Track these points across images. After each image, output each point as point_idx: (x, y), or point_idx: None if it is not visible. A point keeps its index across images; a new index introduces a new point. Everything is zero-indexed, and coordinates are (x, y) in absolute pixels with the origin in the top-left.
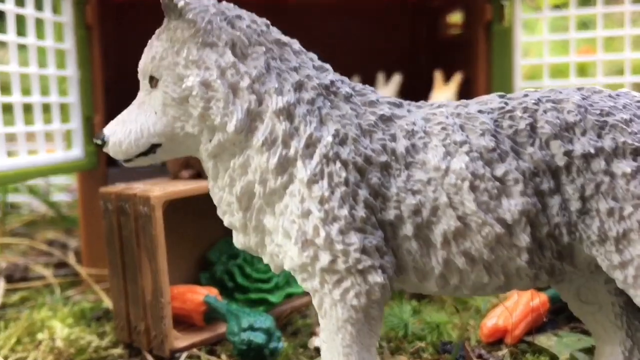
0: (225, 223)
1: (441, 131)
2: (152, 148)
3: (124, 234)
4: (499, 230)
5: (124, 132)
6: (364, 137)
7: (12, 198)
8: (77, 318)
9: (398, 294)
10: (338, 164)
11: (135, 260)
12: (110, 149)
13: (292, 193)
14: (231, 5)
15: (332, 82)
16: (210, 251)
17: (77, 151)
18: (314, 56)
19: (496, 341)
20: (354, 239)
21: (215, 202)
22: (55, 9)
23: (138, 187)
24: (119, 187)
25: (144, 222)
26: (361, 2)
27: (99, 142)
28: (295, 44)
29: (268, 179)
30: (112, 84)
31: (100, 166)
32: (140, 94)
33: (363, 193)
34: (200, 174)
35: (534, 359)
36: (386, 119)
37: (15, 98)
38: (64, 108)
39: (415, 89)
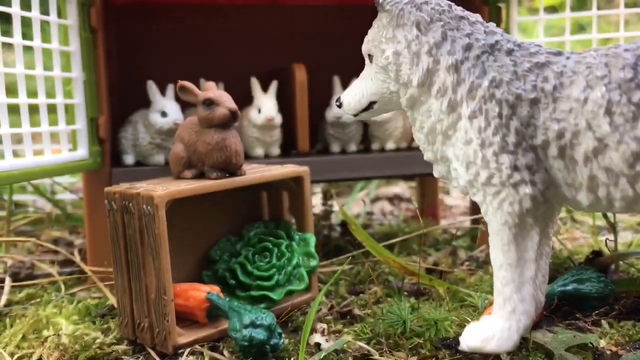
0: (425, 158)
1: (586, 69)
2: (370, 105)
3: (128, 232)
4: (635, 148)
5: (352, 95)
6: (518, 80)
7: (17, 197)
8: (82, 315)
9: (397, 293)
10: (493, 102)
11: (139, 259)
12: (345, 108)
13: (460, 128)
14: None
15: (497, 42)
16: (213, 249)
17: (82, 152)
18: (491, 24)
19: None
20: (506, 159)
21: (417, 142)
22: (60, 12)
23: (141, 187)
24: (123, 187)
25: (147, 221)
26: (360, 3)
27: (337, 103)
28: (473, 17)
29: (443, 118)
30: (116, 85)
31: (104, 166)
32: (365, 70)
33: (514, 123)
34: (202, 174)
35: (530, 355)
36: (541, 65)
37: (21, 99)
38: (69, 109)
39: None
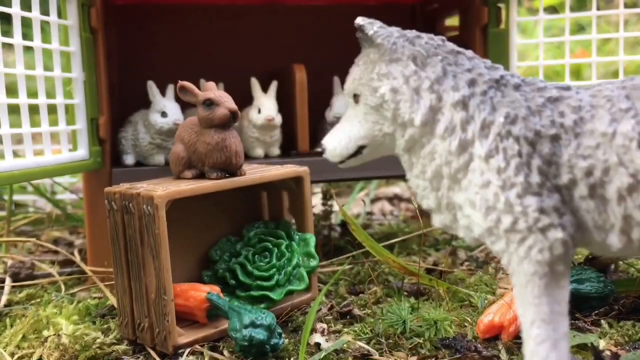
0: (424, 206)
1: (607, 102)
2: (359, 150)
3: (128, 232)
4: None
5: (336, 140)
6: (533, 116)
7: (18, 197)
8: (82, 315)
9: (397, 293)
10: (511, 140)
11: (139, 259)
12: (328, 154)
13: (473, 169)
14: (412, 30)
15: (501, 77)
16: (213, 249)
17: (82, 152)
18: (487, 60)
19: (492, 337)
20: (531, 201)
21: (413, 189)
22: (61, 13)
23: (142, 187)
24: (123, 187)
25: (147, 221)
26: (360, 4)
27: (320, 149)
28: (469, 52)
29: (452, 160)
30: (116, 85)
31: (104, 166)
32: (347, 111)
33: (536, 162)
34: (202, 174)
35: None
36: (554, 100)
37: (22, 100)
38: (69, 109)
39: None
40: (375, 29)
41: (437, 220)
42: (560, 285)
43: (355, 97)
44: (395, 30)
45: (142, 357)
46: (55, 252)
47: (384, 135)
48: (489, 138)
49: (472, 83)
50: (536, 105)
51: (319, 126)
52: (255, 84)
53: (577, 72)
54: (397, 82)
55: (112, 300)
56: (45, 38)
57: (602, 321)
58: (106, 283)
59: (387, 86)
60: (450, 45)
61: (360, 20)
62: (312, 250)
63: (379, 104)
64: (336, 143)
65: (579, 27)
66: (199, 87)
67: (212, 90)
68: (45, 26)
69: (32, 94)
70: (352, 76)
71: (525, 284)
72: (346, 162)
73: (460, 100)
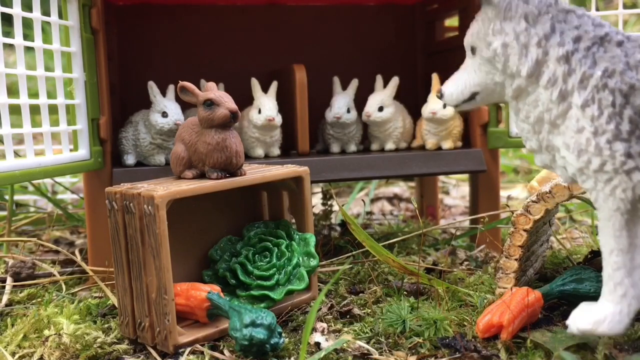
0: (527, 147)
1: None
2: (473, 96)
3: (128, 232)
4: None
5: (454, 86)
6: (630, 71)
7: (19, 197)
8: (83, 314)
9: (396, 292)
10: (606, 91)
11: (140, 258)
12: (446, 99)
13: (570, 116)
14: None
15: (606, 34)
16: (213, 249)
17: (83, 152)
18: (597, 17)
19: (492, 337)
20: (620, 146)
21: (519, 132)
22: (61, 13)
23: (142, 187)
24: (123, 187)
25: (148, 220)
26: (360, 4)
27: (439, 95)
28: (580, 10)
29: (552, 108)
30: (117, 86)
31: (105, 166)
32: (465, 61)
33: (628, 112)
34: (203, 174)
35: (529, 355)
36: None
37: (23, 100)
38: (70, 110)
39: (413, 92)
40: None
41: (539, 160)
42: (638, 222)
43: (472, 50)
44: None
45: (142, 356)
46: (56, 252)
47: (495, 84)
48: (586, 89)
49: (577, 39)
50: (635, 60)
51: (319, 126)
52: (255, 84)
53: None
54: (508, 37)
55: (113, 300)
56: (46, 38)
57: None
58: (107, 283)
59: (499, 41)
60: (562, 5)
61: None
62: (312, 250)
63: (492, 56)
64: (453, 89)
65: None
66: (199, 88)
67: (213, 90)
68: (46, 27)
69: (33, 94)
70: (471, 31)
71: (608, 217)
72: (461, 106)
73: (564, 55)
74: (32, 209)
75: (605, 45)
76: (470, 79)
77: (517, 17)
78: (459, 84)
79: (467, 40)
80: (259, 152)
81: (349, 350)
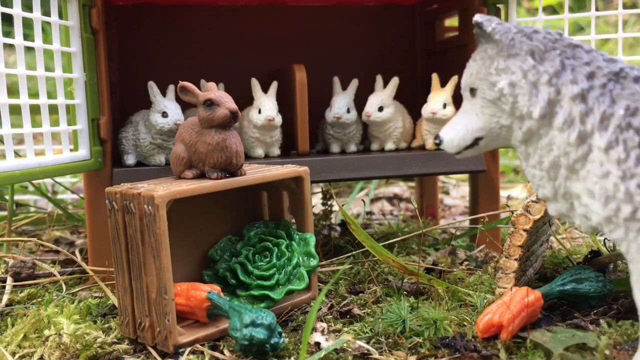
0: (540, 195)
1: None
2: (476, 141)
3: (128, 232)
4: None
5: (454, 132)
6: None
7: (19, 197)
8: (83, 314)
9: (396, 292)
10: (631, 131)
11: (140, 258)
12: (445, 146)
13: (592, 160)
14: (528, 25)
15: (621, 69)
16: (213, 249)
17: (83, 152)
18: (605, 53)
19: (492, 337)
20: None
21: (529, 178)
22: (62, 13)
23: (142, 187)
24: (124, 187)
25: (148, 220)
26: (360, 4)
27: (437, 141)
28: (587, 45)
29: (570, 151)
30: (117, 86)
31: (105, 166)
32: (464, 104)
33: None
34: (203, 174)
35: (529, 354)
36: None
37: (23, 100)
38: (70, 110)
39: (413, 92)
40: (494, 25)
41: (553, 209)
42: None
43: (472, 91)
44: (512, 26)
45: (142, 356)
46: (57, 252)
47: (500, 128)
48: (608, 130)
49: (590, 76)
50: None
51: (319, 126)
52: (255, 84)
53: None
54: (515, 76)
55: (113, 300)
56: (46, 39)
57: (601, 320)
58: (107, 282)
59: (506, 80)
60: (568, 39)
61: (478, 18)
62: (312, 249)
63: (497, 97)
64: (454, 134)
65: (578, 28)
66: (199, 88)
67: (213, 90)
68: (46, 27)
69: (34, 94)
70: (469, 71)
71: None
72: (463, 153)
73: (579, 94)
74: (32, 209)
75: (622, 81)
76: (472, 123)
77: (522, 54)
78: (459, 128)
79: (466, 82)
80: (259, 152)
81: (349, 350)
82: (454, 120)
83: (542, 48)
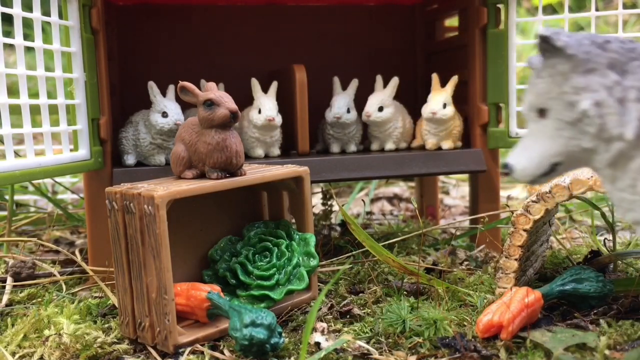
0: (629, 219)
1: None
2: (553, 167)
3: (128, 232)
4: None
5: (527, 159)
6: None
7: (19, 197)
8: (83, 314)
9: (396, 292)
10: None
11: (140, 258)
12: (517, 175)
13: None
14: (598, 34)
15: None
16: (213, 249)
17: (83, 152)
18: None
19: (492, 337)
20: None
21: (616, 202)
22: (62, 13)
23: (142, 187)
24: (124, 187)
25: (148, 220)
26: (360, 4)
27: (506, 170)
28: None
29: None
30: (117, 86)
31: (105, 166)
32: (530, 126)
33: None
34: (203, 174)
35: (529, 354)
36: None
37: (23, 100)
38: (70, 110)
39: (413, 92)
40: (564, 39)
41: None
42: None
43: (542, 112)
44: (582, 37)
45: (142, 356)
46: (57, 252)
47: (582, 151)
48: None
49: None
50: None
51: (319, 126)
52: (255, 84)
53: None
54: (599, 95)
55: (113, 300)
56: (47, 39)
57: (601, 320)
58: (107, 282)
59: (589, 100)
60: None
61: (545, 32)
62: (312, 249)
63: (578, 119)
64: (526, 163)
65: (578, 28)
66: (199, 88)
67: (213, 90)
68: (46, 27)
69: (34, 94)
70: (535, 90)
71: None
72: (538, 180)
73: None
74: (32, 209)
75: None
76: (546, 148)
77: (601, 69)
78: (533, 155)
79: (532, 102)
80: (259, 152)
81: (349, 350)
82: (524, 145)
83: (622, 59)
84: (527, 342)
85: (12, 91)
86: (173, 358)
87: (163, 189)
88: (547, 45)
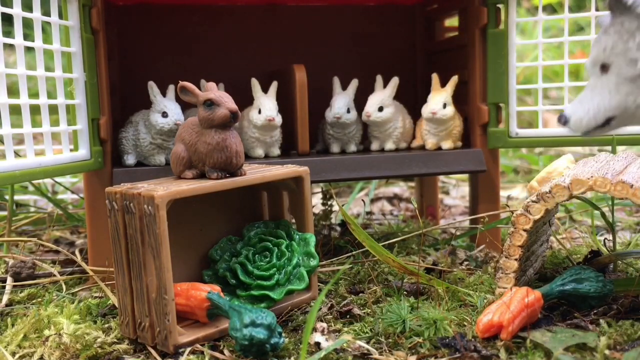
0: None
1: None
2: (608, 121)
3: (129, 232)
4: None
5: (584, 110)
6: None
7: (19, 197)
8: (83, 314)
9: (396, 292)
10: None
11: (140, 258)
12: (572, 125)
13: None
14: None
15: None
16: (213, 249)
17: (83, 152)
18: None
19: (492, 337)
20: None
21: None
22: (62, 13)
23: (142, 187)
24: (124, 187)
25: (148, 220)
26: (360, 4)
27: (562, 121)
28: None
29: None
30: (117, 86)
31: (105, 166)
32: (591, 80)
33: None
34: (203, 174)
35: (529, 354)
36: None
37: (23, 100)
38: (70, 110)
39: (413, 92)
40: None
41: None
42: None
43: (604, 67)
44: None
45: (142, 356)
46: (57, 252)
47: (637, 106)
48: None
49: None
50: None
51: (319, 126)
52: (255, 84)
53: (576, 73)
54: None
55: (113, 300)
56: (47, 39)
57: (601, 320)
58: (107, 282)
59: None
60: None
61: None
62: (312, 249)
63: (638, 75)
64: (582, 114)
65: (578, 28)
66: (199, 88)
67: (213, 90)
68: (46, 27)
69: (34, 94)
70: (602, 45)
71: None
72: (591, 133)
73: None
74: (32, 209)
75: None
76: (604, 101)
77: None
78: (590, 107)
79: (596, 57)
80: (259, 152)
81: (349, 350)
82: (583, 98)
83: None
84: (527, 342)
85: (12, 91)
86: (173, 358)
87: (163, 189)
88: (617, 3)
